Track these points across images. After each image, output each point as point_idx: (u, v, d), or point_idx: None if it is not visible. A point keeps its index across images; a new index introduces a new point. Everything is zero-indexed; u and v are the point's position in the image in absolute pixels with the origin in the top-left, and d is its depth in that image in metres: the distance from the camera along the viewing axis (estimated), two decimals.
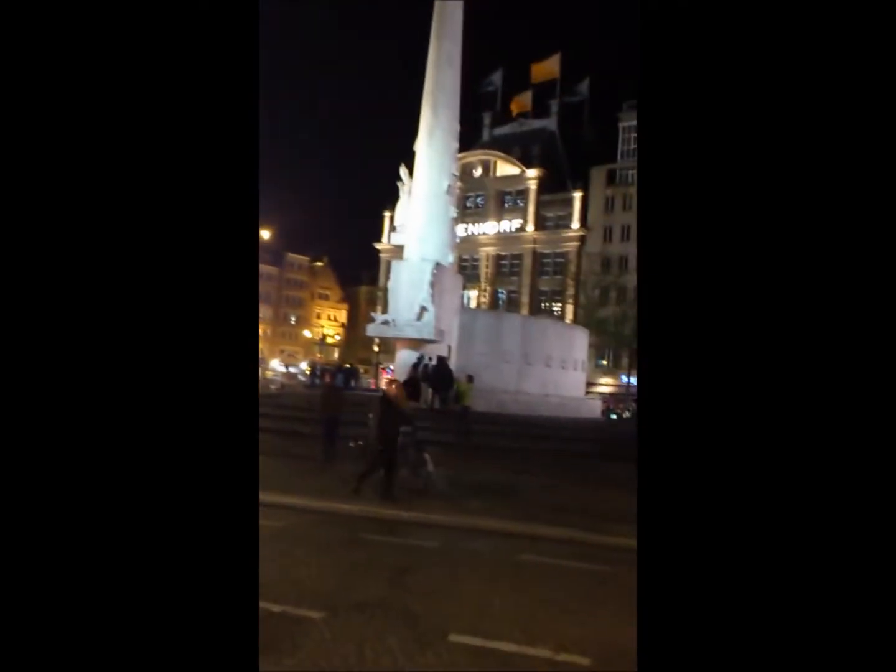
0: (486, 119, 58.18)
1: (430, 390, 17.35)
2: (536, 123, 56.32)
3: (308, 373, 36.33)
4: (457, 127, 21.48)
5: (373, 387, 29.22)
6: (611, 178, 50.75)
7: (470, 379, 15.70)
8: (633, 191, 48.90)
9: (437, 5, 21.15)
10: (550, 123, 56.17)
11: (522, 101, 55.30)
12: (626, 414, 31.26)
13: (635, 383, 43.42)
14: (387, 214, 56.64)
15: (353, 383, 24.52)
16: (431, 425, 14.92)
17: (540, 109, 56.07)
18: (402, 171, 21.92)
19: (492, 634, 3.85)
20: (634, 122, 49.96)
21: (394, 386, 9.23)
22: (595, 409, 24.03)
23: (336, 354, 68.67)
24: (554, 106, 55.71)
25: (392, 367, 24.04)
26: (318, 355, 63.03)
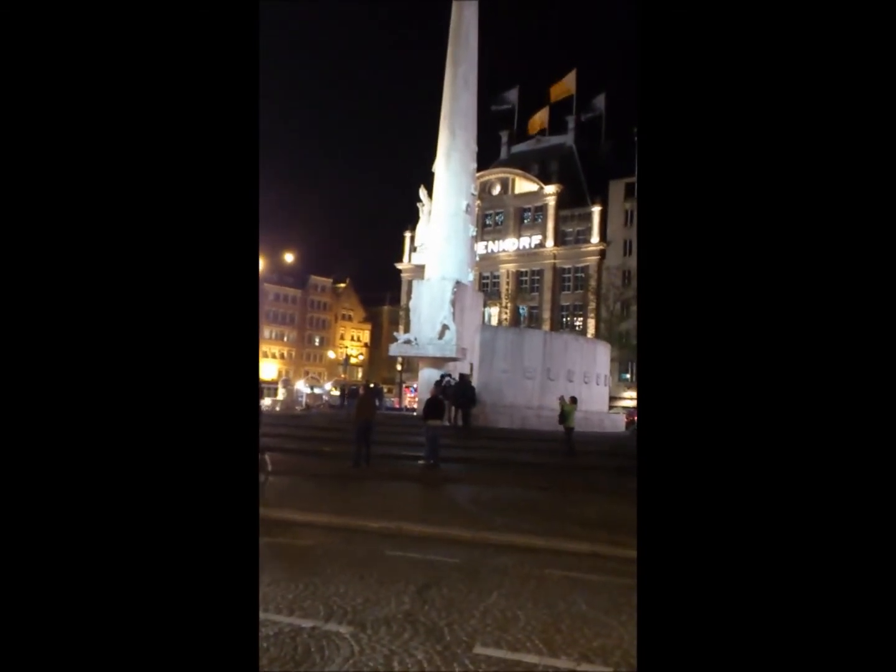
0: (504, 137, 58.73)
1: (453, 408, 17.46)
2: (554, 139, 56.70)
3: (336, 393, 36.54)
4: (474, 147, 21.80)
5: (396, 406, 29.27)
6: (629, 192, 50.73)
7: (573, 400, 15.56)
8: None
9: (452, 29, 21.59)
10: (568, 139, 56.49)
11: (539, 119, 55.76)
12: None
13: None
14: (407, 235, 57.21)
15: (377, 402, 24.69)
16: (456, 443, 15.02)
17: (557, 125, 56.48)
18: (422, 192, 22.27)
19: (515, 646, 3.94)
20: None
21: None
22: (619, 423, 23.90)
23: (360, 374, 69.08)
24: (571, 122, 56.06)
25: (416, 385, 24.12)
26: (343, 375, 63.43)
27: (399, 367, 49.56)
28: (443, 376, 18.12)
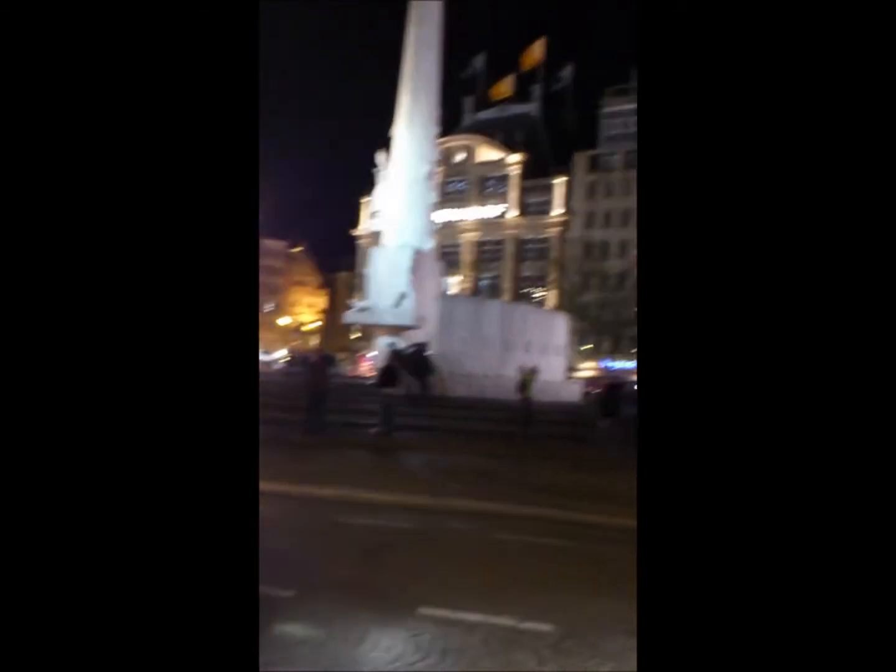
0: (468, 104, 57.92)
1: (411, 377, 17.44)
2: (519, 108, 56.20)
3: (288, 360, 36.22)
4: (436, 112, 21.44)
5: (350, 374, 29.15)
6: (593, 164, 50.92)
7: (534, 370, 15.76)
8: (614, 177, 49.00)
9: None
10: (533, 109, 56.09)
11: (504, 87, 55.12)
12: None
13: (612, 367, 43.90)
14: (364, 201, 56.37)
15: (330, 370, 24.51)
16: (413, 411, 15.03)
17: (523, 94, 55.95)
18: (380, 157, 21.84)
19: (459, 606, 3.96)
20: (616, 109, 49.90)
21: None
22: (575, 392, 24.28)
23: (315, 342, 68.45)
24: (536, 91, 55.60)
25: (372, 353, 24.06)
26: (297, 343, 62.80)
27: (355, 335, 49.27)
28: (390, 345, 18.01)
